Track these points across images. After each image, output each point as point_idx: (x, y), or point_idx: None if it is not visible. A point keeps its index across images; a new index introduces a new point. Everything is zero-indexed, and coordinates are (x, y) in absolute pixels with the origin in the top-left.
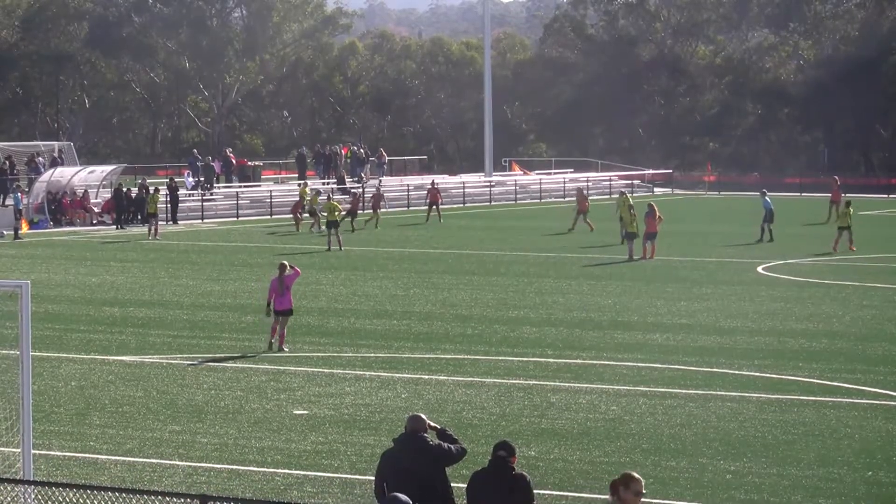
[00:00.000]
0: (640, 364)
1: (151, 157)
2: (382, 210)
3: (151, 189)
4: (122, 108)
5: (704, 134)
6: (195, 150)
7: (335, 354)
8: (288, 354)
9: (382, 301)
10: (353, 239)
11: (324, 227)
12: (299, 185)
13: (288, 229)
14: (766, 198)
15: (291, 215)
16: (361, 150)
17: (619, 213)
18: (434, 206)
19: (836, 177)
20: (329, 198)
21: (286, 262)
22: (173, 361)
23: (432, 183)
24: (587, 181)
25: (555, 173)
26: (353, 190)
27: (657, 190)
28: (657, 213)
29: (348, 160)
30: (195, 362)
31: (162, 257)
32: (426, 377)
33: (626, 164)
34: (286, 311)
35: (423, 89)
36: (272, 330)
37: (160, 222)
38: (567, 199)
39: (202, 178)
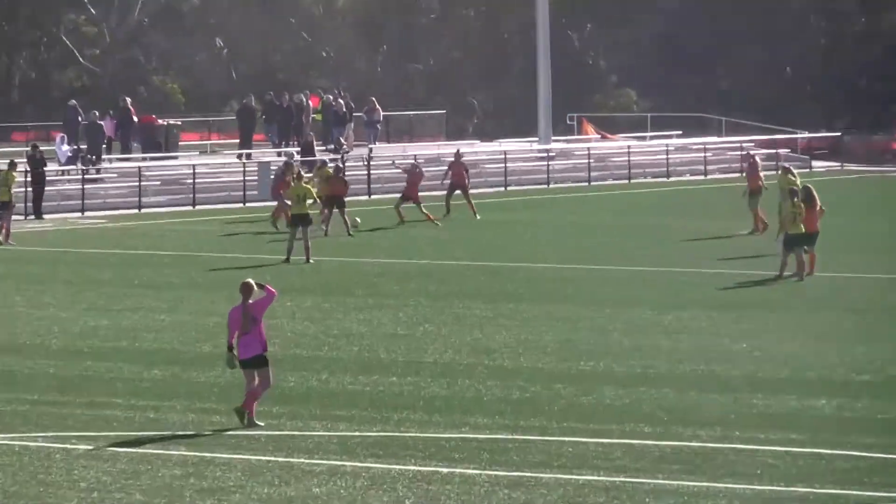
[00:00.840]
0: (796, 449)
1: (5, 112)
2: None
3: (2, 163)
4: None
5: (891, 76)
6: (74, 102)
7: (295, 433)
8: (217, 434)
9: (373, 344)
10: (326, 245)
11: (323, 224)
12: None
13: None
14: None
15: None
16: (340, 101)
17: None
18: (460, 191)
19: None
20: (298, 175)
21: (251, 281)
22: (31, 444)
23: (457, 154)
24: (704, 149)
25: (653, 137)
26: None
27: (817, 164)
28: (818, 203)
29: (319, 117)
30: (69, 445)
31: (16, 273)
32: (445, 470)
33: (767, 122)
34: (257, 360)
35: (439, 3)
36: (250, 395)
37: (15, 216)
38: (672, 178)
39: (84, 146)
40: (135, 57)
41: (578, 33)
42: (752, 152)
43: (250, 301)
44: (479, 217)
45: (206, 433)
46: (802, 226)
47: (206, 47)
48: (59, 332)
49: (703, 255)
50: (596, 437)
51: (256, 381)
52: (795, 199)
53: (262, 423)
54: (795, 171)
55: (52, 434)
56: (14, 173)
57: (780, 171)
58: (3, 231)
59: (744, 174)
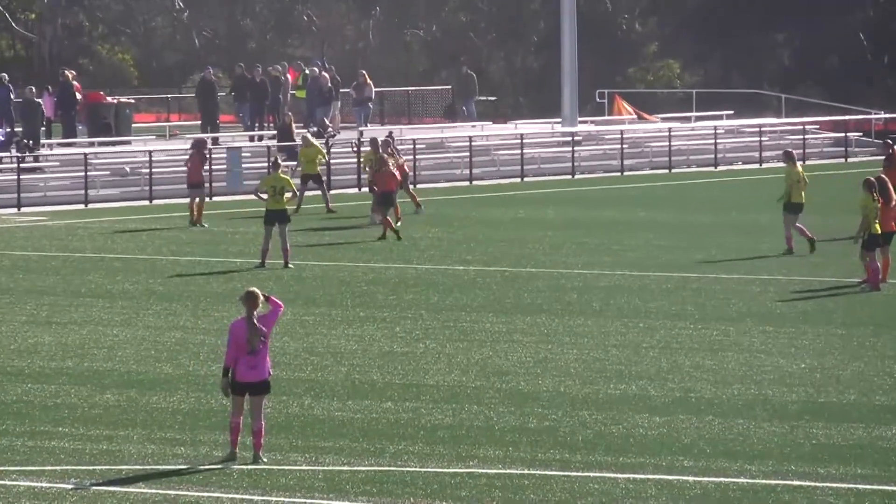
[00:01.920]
0: (862, 486)
1: None
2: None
3: None
4: None
5: None
6: (5, 75)
7: (275, 467)
8: (186, 469)
9: (365, 365)
10: (309, 247)
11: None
12: (303, 140)
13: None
14: None
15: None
16: (325, 75)
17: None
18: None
19: None
20: (276, 164)
21: (256, 290)
22: None
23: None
24: (760, 132)
25: (699, 118)
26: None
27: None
28: (893, 197)
29: (301, 94)
30: (8, 481)
31: None
32: None
33: (835, 100)
34: (260, 387)
35: None
36: (233, 427)
37: None
38: (721, 167)
39: (18, 129)
40: (78, 22)
41: None
42: (888, 140)
43: (257, 313)
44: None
45: (169, 467)
46: (878, 225)
47: (162, 10)
48: None
49: (756, 258)
50: (627, 472)
51: (243, 411)
52: (875, 193)
53: (266, 459)
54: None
55: None
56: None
57: (784, 158)
58: None
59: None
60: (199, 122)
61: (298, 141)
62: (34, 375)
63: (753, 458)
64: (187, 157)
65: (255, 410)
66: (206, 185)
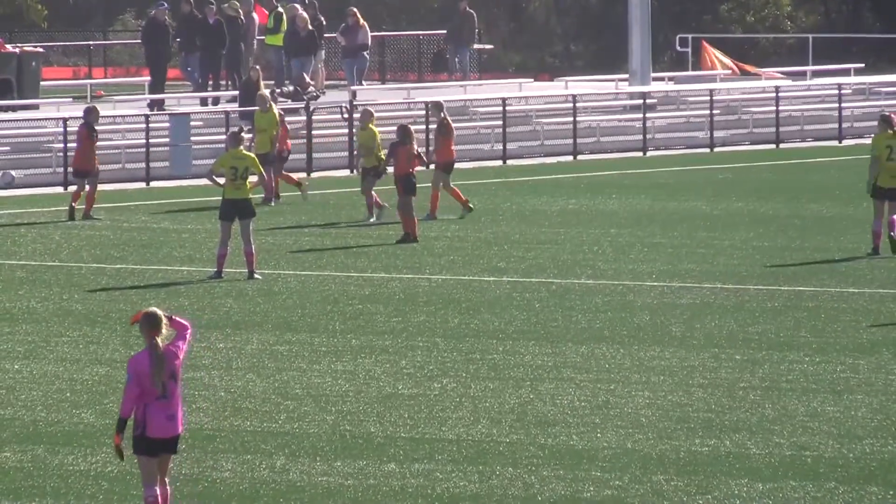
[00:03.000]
0: None
1: None
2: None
3: None
4: None
5: None
6: None
7: None
8: None
9: (359, 411)
10: (280, 249)
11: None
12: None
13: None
14: None
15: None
16: (302, 14)
17: None
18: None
19: None
20: (236, 137)
21: (157, 311)
22: None
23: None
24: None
25: (816, 73)
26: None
27: None
28: None
29: (274, 40)
30: None
31: None
32: None
33: None
34: (174, 443)
35: None
36: (150, 501)
37: None
38: (847, 142)
39: None
40: None
41: None
42: None
43: (160, 344)
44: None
45: None
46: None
47: None
48: None
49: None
50: None
51: (160, 474)
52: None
53: None
54: None
55: None
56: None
57: (881, 125)
58: None
59: None
60: (134, 79)
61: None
62: None
63: None
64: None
65: (164, 470)
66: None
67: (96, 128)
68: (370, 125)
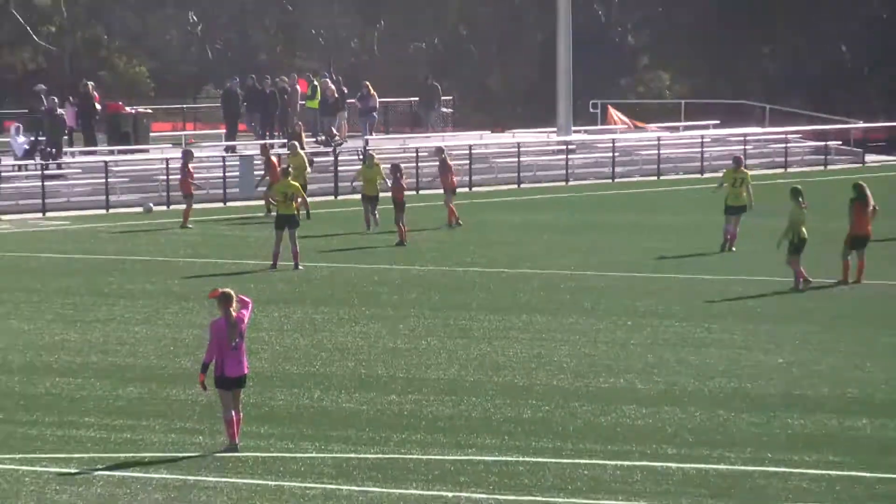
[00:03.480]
0: (833, 472)
1: None
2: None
3: None
4: None
5: None
6: (43, 86)
7: (287, 455)
8: (202, 456)
9: (371, 360)
10: (317, 250)
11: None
12: (291, 148)
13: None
14: None
15: (189, 200)
16: (330, 84)
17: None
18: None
19: None
20: (285, 172)
21: (230, 291)
22: (0, 467)
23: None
24: (744, 141)
25: (687, 128)
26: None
27: (871, 158)
28: (871, 202)
29: (314, 104)
30: (39, 468)
31: None
32: (450, 495)
33: (817, 111)
34: (242, 381)
35: None
36: (228, 421)
37: None
38: (707, 174)
39: (42, 138)
40: (97, 35)
41: (605, 8)
42: None
43: (232, 313)
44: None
45: (188, 455)
46: (805, 228)
47: (177, 24)
48: (23, 347)
49: (739, 260)
50: (614, 459)
51: (234, 404)
52: (800, 199)
53: (241, 443)
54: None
55: (21, 456)
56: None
57: (733, 163)
58: None
59: None
60: (215, 131)
61: (308, 150)
62: (61, 370)
63: (732, 446)
64: (181, 167)
65: (236, 402)
66: (203, 191)
67: (190, 165)
68: (374, 164)
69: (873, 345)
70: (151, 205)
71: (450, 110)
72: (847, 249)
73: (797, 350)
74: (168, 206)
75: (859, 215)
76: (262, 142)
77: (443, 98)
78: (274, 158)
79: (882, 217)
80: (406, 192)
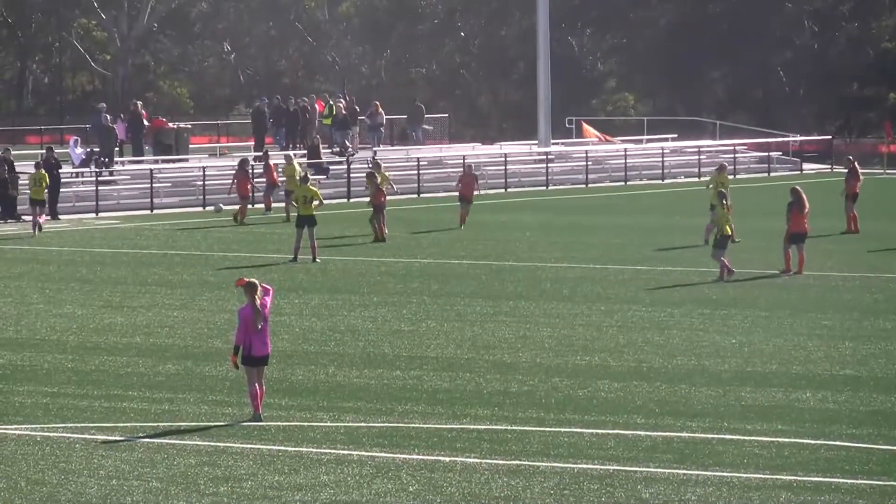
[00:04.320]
0: (780, 439)
1: (18, 116)
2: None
3: (24, 164)
4: None
5: (881, 81)
6: (104, 105)
7: (304, 424)
8: (232, 426)
9: (378, 340)
10: (332, 246)
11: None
12: (286, 158)
13: (239, 227)
14: None
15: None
16: (344, 104)
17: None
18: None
19: None
20: (305, 178)
21: (255, 280)
22: (52, 434)
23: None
24: (699, 152)
25: (649, 141)
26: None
27: (808, 167)
28: (806, 205)
29: (328, 121)
30: (88, 435)
31: (34, 272)
32: (447, 459)
33: (760, 126)
34: (265, 359)
35: (443, 9)
36: (253, 394)
37: (28, 217)
38: (667, 180)
39: (96, 149)
40: (145, 62)
41: (578, 39)
42: (851, 158)
43: (257, 300)
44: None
45: (219, 424)
46: (731, 225)
47: (213, 52)
48: (77, 329)
49: (696, 254)
50: (591, 427)
51: (256, 381)
52: (725, 202)
53: (264, 413)
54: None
55: (72, 425)
56: (44, 172)
57: (716, 169)
58: (37, 224)
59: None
60: (245, 143)
61: (325, 159)
62: (109, 349)
63: (693, 416)
64: (234, 175)
65: (259, 378)
66: (260, 193)
67: (248, 170)
68: (381, 172)
69: (814, 327)
70: (221, 205)
71: (431, 128)
72: (787, 244)
73: (748, 332)
74: (203, 207)
75: (796, 216)
76: (287, 152)
77: (436, 116)
78: (272, 163)
79: (818, 217)
80: (405, 196)
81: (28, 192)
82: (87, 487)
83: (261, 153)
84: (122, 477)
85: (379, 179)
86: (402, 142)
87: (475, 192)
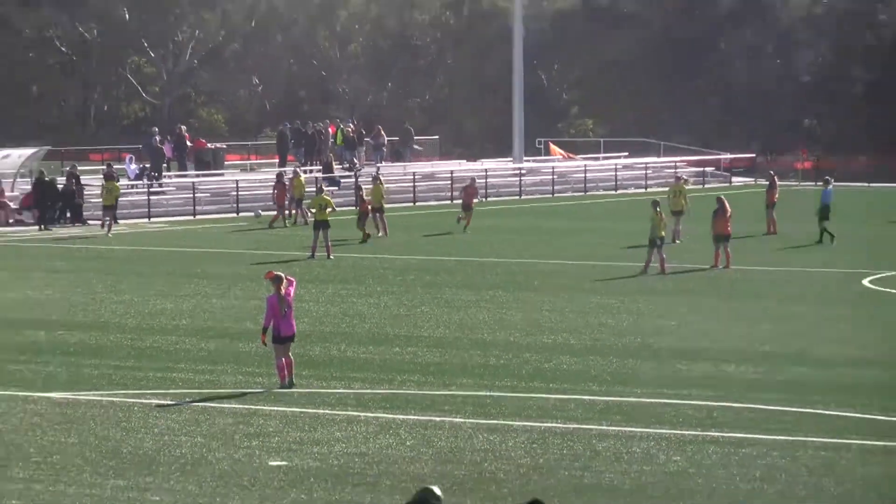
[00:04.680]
0: (710, 403)
1: (83, 138)
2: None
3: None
4: (43, 74)
5: (799, 108)
6: (156, 129)
7: (321, 390)
8: (262, 392)
9: (381, 323)
10: (343, 245)
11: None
12: (294, 172)
13: (261, 230)
14: (829, 188)
15: (281, 210)
16: (352, 128)
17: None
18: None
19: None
20: (320, 189)
21: (280, 273)
22: (115, 399)
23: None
24: (646, 167)
25: (605, 158)
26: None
27: (736, 179)
28: (728, 210)
29: (337, 142)
30: (144, 400)
31: (98, 266)
32: (437, 419)
33: (696, 145)
34: (292, 338)
35: (435, 48)
36: (279, 367)
37: (95, 221)
38: (620, 191)
39: (147, 166)
40: (187, 93)
41: (546, 73)
42: (772, 172)
43: (282, 290)
44: (466, 231)
45: (252, 391)
46: (664, 229)
47: (244, 85)
48: (134, 313)
49: (642, 252)
50: (555, 394)
51: (284, 355)
52: (657, 209)
53: (295, 383)
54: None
55: (131, 391)
56: (117, 184)
57: (674, 180)
58: (108, 227)
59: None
60: (270, 160)
61: (336, 174)
62: (160, 330)
63: (638, 384)
64: (273, 186)
65: (286, 352)
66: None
67: (285, 182)
68: (380, 184)
69: (739, 311)
70: (260, 211)
71: (420, 148)
72: (714, 244)
73: (685, 315)
74: (237, 213)
75: (720, 220)
76: (296, 168)
77: (429, 138)
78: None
79: (744, 221)
80: (402, 204)
81: (98, 200)
82: (143, 442)
83: (285, 168)
84: (172, 433)
85: (363, 192)
86: (393, 159)
87: (475, 201)
